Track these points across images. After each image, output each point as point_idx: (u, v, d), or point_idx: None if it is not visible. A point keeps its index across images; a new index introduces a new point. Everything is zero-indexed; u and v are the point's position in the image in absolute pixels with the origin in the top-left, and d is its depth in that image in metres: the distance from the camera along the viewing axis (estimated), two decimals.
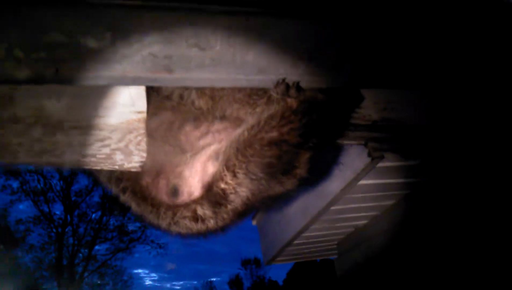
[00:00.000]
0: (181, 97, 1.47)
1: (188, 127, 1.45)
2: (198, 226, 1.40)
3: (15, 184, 19.44)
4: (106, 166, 1.46)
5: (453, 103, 1.81)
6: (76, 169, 1.50)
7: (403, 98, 1.84)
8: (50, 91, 1.31)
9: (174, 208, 1.41)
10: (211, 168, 1.42)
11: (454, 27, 1.42)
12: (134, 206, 1.46)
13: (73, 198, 20.77)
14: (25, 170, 19.09)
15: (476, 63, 1.50)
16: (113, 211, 20.89)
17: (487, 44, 1.44)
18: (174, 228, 1.43)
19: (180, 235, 1.45)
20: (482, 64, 1.50)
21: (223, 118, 1.43)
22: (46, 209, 20.18)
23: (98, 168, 1.45)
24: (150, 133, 1.42)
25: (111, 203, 20.44)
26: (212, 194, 1.37)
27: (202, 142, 1.45)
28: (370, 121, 1.83)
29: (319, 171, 2.36)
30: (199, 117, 1.46)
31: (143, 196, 1.45)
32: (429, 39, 1.44)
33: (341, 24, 1.34)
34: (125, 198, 1.47)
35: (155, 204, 1.43)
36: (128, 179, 1.46)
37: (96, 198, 21.70)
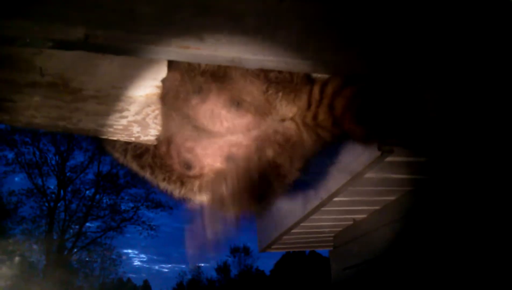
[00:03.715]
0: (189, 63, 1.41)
1: (194, 100, 1.38)
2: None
3: (10, 155, 19.38)
4: (123, 137, 1.46)
5: (469, 101, 1.81)
6: (92, 137, 1.49)
7: (418, 93, 1.84)
8: (73, 57, 1.31)
9: (185, 178, 1.42)
10: (226, 154, 1.42)
11: (474, 24, 1.42)
12: (148, 173, 1.47)
13: (67, 174, 20.76)
14: (21, 142, 19.02)
15: (496, 63, 1.51)
16: (106, 189, 20.92)
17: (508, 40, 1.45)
18: (187, 198, 1.44)
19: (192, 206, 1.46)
20: (502, 64, 1.51)
21: (239, 104, 1.39)
22: (40, 182, 20.17)
23: (115, 138, 1.46)
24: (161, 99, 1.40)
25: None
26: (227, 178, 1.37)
27: (217, 126, 1.42)
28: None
29: (326, 161, 2.37)
30: (204, 90, 1.39)
31: (160, 162, 1.45)
32: (449, 35, 1.44)
33: (370, 15, 1.34)
34: (141, 163, 1.47)
35: (169, 171, 1.44)
36: (147, 146, 1.47)
37: (90, 176, 21.64)
